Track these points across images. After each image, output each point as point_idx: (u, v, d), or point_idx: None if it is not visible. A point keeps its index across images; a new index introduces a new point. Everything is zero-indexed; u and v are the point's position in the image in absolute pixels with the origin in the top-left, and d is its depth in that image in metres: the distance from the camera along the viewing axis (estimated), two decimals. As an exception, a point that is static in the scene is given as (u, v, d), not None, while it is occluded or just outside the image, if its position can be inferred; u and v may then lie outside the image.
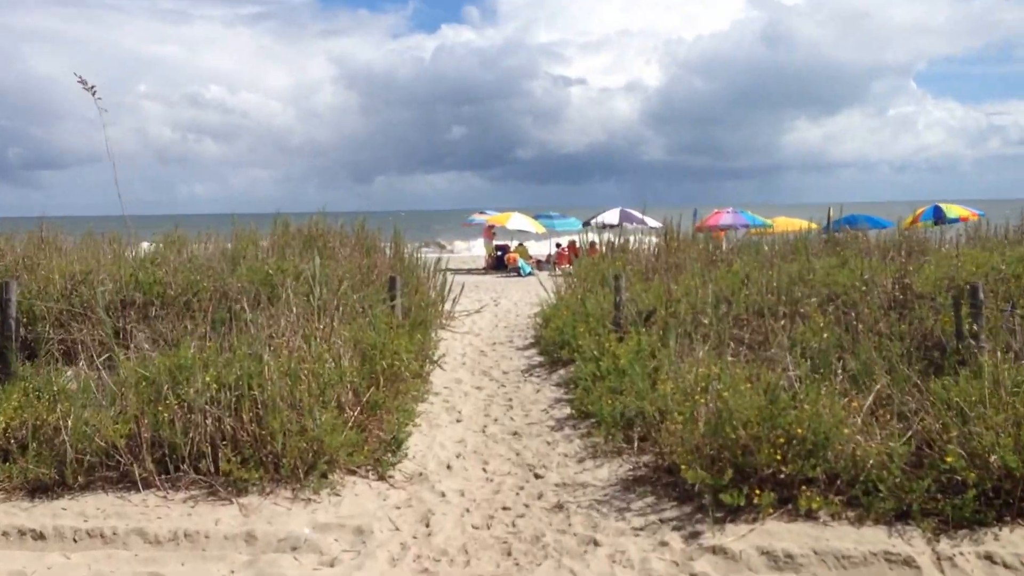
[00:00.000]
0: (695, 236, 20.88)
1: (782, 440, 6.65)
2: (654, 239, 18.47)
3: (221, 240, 18.10)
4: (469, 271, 34.01)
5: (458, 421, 10.11)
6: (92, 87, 10.26)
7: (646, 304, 11.35)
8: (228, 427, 7.78)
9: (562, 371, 12.29)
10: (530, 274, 31.26)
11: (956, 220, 26.91)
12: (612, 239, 28.90)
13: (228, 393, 7.95)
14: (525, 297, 22.16)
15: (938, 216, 28.25)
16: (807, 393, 7.10)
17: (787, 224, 28.35)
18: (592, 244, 33.01)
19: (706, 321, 9.84)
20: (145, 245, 17.51)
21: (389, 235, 19.56)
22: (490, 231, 35.91)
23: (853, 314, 9.39)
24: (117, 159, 10.95)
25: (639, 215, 32.57)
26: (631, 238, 18.73)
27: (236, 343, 8.68)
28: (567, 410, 10.24)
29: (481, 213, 38.13)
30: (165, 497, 7.41)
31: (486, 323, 17.33)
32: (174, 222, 19.72)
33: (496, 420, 10.19)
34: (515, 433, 9.61)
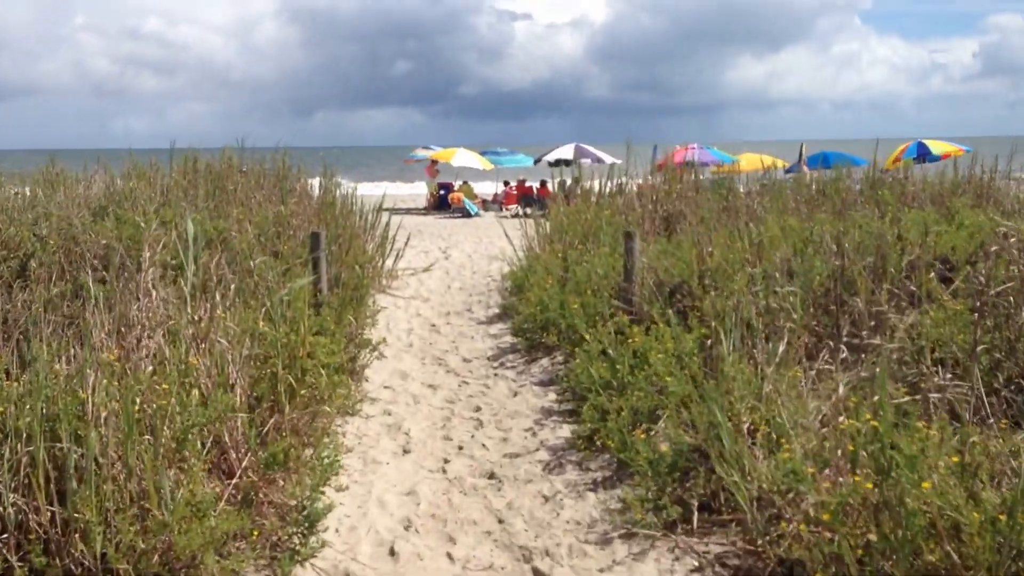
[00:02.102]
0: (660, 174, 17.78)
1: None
2: (635, 181, 15.11)
3: (114, 178, 14.26)
4: (408, 211, 30.84)
5: (405, 452, 6.88)
6: None
7: (670, 274, 8.14)
8: (10, 513, 4.47)
9: (544, 361, 9.11)
10: (476, 214, 28.46)
11: (938, 158, 24.43)
12: (566, 178, 25.86)
13: (19, 448, 4.62)
14: (479, 247, 18.83)
15: (922, 153, 25.72)
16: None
17: (754, 161, 25.56)
18: (543, 183, 30.17)
19: (775, 305, 6.65)
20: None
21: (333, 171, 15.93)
22: (433, 168, 32.60)
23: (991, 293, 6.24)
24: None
25: (595, 151, 30.01)
26: (622, 179, 15.26)
27: (39, 354, 5.26)
28: (564, 432, 7.08)
29: (424, 148, 34.62)
30: None
31: (436, 283, 13.99)
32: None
33: (461, 448, 6.98)
34: (492, 476, 6.41)
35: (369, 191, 38.26)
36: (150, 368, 5.55)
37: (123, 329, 6.20)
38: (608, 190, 14.53)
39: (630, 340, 7.15)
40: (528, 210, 29.40)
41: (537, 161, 31.74)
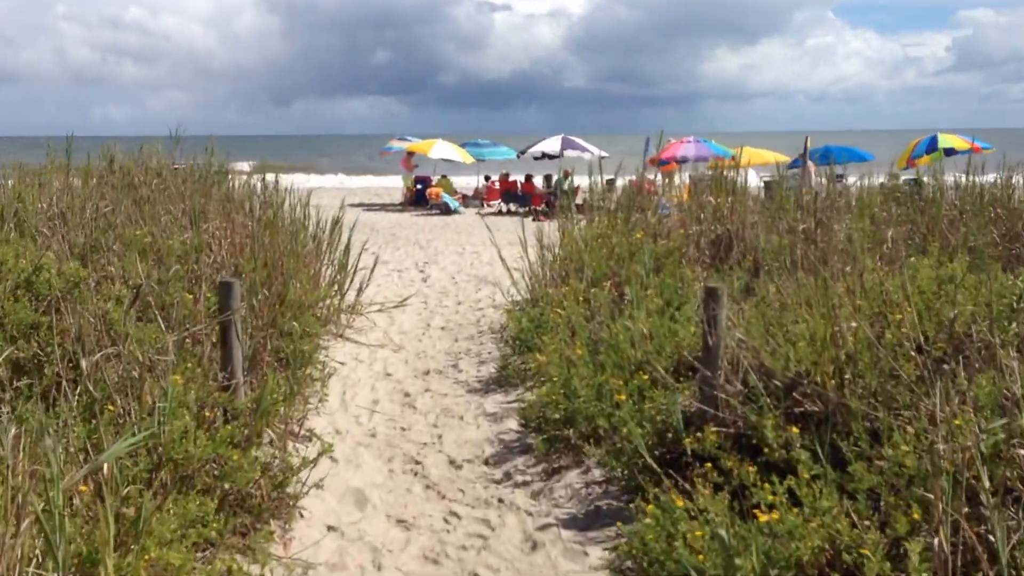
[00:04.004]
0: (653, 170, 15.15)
1: None
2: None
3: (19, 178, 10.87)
4: (384, 206, 28.01)
5: None
6: None
7: (784, 360, 5.08)
8: None
9: (573, 475, 6.05)
10: (456, 210, 26.17)
11: (953, 151, 22.04)
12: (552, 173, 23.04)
13: None
14: (463, 260, 15.71)
15: (931, 148, 23.38)
16: None
17: (754, 156, 22.87)
18: (528, 177, 27.39)
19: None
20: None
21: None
22: (409, 161, 29.61)
23: None
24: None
25: (582, 142, 27.54)
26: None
27: None
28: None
29: (400, 140, 31.51)
30: None
31: (412, 320, 10.85)
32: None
33: None
34: None
35: (343, 183, 35.31)
36: None
37: None
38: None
39: (748, 498, 4.11)
40: (512, 206, 26.73)
41: (521, 154, 28.97)
